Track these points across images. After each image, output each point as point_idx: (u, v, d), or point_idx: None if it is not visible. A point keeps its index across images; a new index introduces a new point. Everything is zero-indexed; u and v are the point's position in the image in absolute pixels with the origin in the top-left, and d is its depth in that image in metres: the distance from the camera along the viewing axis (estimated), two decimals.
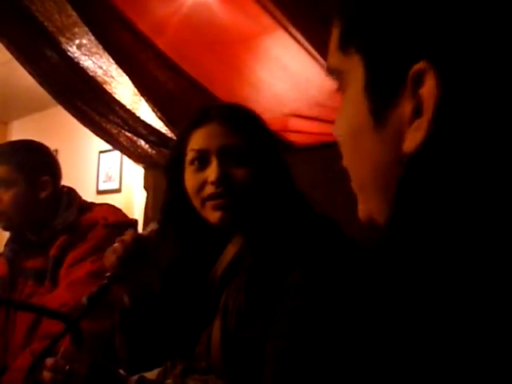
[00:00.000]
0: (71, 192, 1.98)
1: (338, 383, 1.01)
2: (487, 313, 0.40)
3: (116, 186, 4.68)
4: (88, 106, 2.36)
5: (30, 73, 2.14)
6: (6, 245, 1.98)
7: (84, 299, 1.16)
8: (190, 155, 1.25)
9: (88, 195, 2.21)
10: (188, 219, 1.27)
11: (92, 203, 2.01)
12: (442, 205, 0.47)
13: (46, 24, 1.94)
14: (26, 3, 1.87)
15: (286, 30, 1.75)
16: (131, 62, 2.13)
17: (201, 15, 1.92)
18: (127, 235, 1.22)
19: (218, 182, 1.19)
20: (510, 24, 0.45)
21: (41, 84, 2.21)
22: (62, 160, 2.07)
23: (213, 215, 1.21)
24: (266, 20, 1.76)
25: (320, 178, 2.23)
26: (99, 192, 4.78)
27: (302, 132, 2.31)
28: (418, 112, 0.49)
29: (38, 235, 1.89)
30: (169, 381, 1.16)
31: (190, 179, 1.25)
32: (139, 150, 2.62)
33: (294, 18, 1.67)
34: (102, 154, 4.78)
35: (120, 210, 2.01)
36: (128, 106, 2.37)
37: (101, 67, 2.16)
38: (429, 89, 0.47)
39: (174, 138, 2.25)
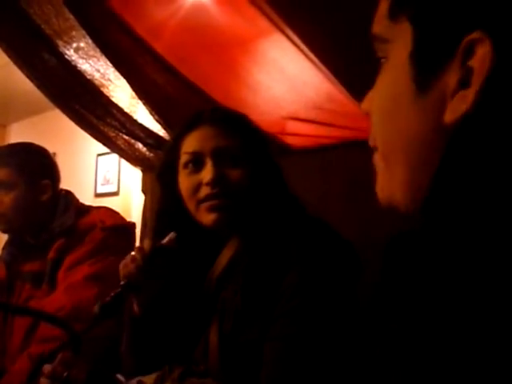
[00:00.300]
0: (68, 195, 1.98)
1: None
2: None
3: (114, 189, 4.68)
4: (86, 109, 2.35)
5: (27, 76, 2.14)
6: (3, 248, 1.98)
7: (96, 308, 1.14)
8: (183, 158, 1.26)
9: (86, 198, 2.21)
10: (183, 224, 1.27)
11: (90, 206, 2.01)
12: (487, 183, 0.46)
13: (43, 27, 1.94)
14: (24, 6, 1.87)
15: (283, 32, 1.75)
16: (129, 65, 2.13)
17: (198, 18, 1.92)
18: (147, 245, 1.21)
19: (213, 183, 1.19)
20: None
21: (38, 87, 2.20)
22: (60, 163, 2.07)
23: (208, 217, 1.21)
24: (263, 23, 1.76)
25: (317, 180, 2.23)
26: (97, 195, 4.78)
27: (299, 135, 2.31)
28: (464, 83, 0.49)
29: (36, 238, 1.89)
30: None
31: (185, 182, 1.25)
32: (137, 153, 2.62)
33: (291, 21, 1.67)
34: (99, 157, 4.78)
35: (118, 213, 2.01)
36: (125, 109, 2.36)
37: (98, 70, 2.16)
38: (480, 60, 0.47)
39: None
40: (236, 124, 1.28)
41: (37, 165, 1.92)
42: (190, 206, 1.25)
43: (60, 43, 2.02)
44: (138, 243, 2.00)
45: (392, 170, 0.59)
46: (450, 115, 0.50)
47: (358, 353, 0.99)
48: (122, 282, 1.19)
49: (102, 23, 1.98)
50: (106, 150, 2.90)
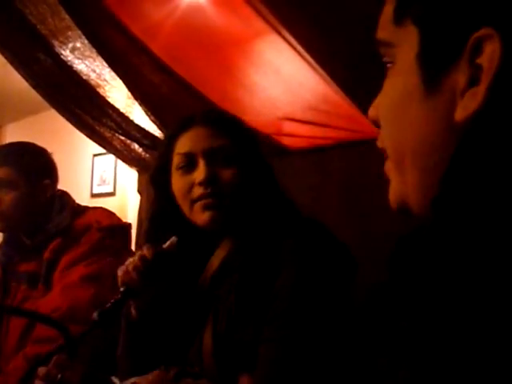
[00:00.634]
0: (64, 196, 1.98)
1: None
2: None
3: (110, 190, 4.67)
4: (81, 110, 2.35)
5: (23, 76, 2.14)
6: None
7: (95, 315, 1.12)
8: (176, 159, 1.26)
9: (82, 198, 2.20)
10: (177, 225, 1.27)
11: (86, 207, 2.01)
12: (498, 180, 0.46)
13: (39, 27, 1.94)
14: (19, 6, 1.86)
15: (279, 33, 1.75)
16: (125, 65, 2.13)
17: (194, 19, 1.92)
18: (148, 251, 1.19)
19: (206, 183, 1.20)
20: None
21: (34, 87, 2.20)
22: (56, 163, 2.07)
23: (202, 216, 1.22)
24: (259, 24, 1.76)
25: (313, 181, 2.24)
26: (93, 195, 4.77)
27: (295, 135, 2.31)
28: (473, 81, 0.49)
29: (31, 239, 1.88)
30: None
31: (178, 183, 1.26)
32: (133, 154, 2.62)
33: (287, 22, 1.67)
34: (96, 158, 4.77)
35: (114, 214, 2.01)
36: (121, 110, 2.36)
37: (94, 71, 2.15)
38: (489, 57, 0.47)
39: None
40: (228, 125, 1.29)
41: (38, 165, 1.93)
42: (184, 206, 1.25)
43: (56, 43, 2.02)
44: (133, 244, 1.99)
45: (403, 173, 0.58)
46: (461, 113, 0.50)
47: (354, 353, 0.99)
48: (121, 289, 1.18)
49: (97, 23, 1.98)
50: (102, 150, 2.90)
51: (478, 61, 0.48)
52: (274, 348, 1.07)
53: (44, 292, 1.79)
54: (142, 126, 2.44)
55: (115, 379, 1.18)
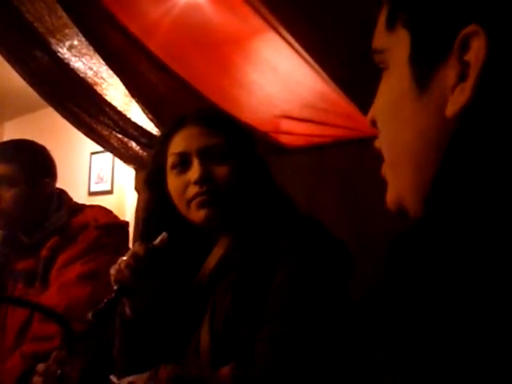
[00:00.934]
0: (62, 194, 1.98)
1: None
2: None
3: (108, 188, 4.67)
4: (79, 108, 2.35)
5: (20, 74, 2.13)
6: None
7: (90, 315, 1.11)
8: (170, 159, 1.27)
9: (80, 196, 2.21)
10: (173, 224, 1.27)
11: (83, 205, 2.01)
12: (490, 174, 0.46)
13: (36, 25, 1.93)
14: (16, 4, 1.86)
15: (277, 31, 1.75)
16: (122, 63, 2.13)
17: (192, 17, 1.92)
18: (139, 248, 1.19)
19: (201, 181, 1.20)
20: None
21: (31, 85, 2.20)
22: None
23: (198, 214, 1.22)
24: (257, 22, 1.76)
25: (311, 179, 2.24)
26: (91, 193, 4.77)
27: (292, 133, 2.32)
28: (462, 77, 0.50)
29: (29, 237, 1.88)
30: None
31: (173, 183, 1.26)
32: (130, 152, 2.61)
33: (285, 20, 1.67)
34: (93, 156, 4.77)
35: (111, 212, 2.01)
36: (119, 108, 2.36)
37: (91, 68, 2.15)
38: (475, 53, 0.48)
39: None
40: (221, 123, 1.29)
41: (38, 162, 1.93)
42: (180, 206, 1.26)
43: (53, 41, 2.02)
44: (131, 242, 1.99)
45: (399, 174, 0.59)
46: (451, 109, 0.51)
47: (350, 351, 0.99)
48: (115, 287, 1.17)
49: (95, 21, 1.98)
50: (100, 148, 2.89)
51: (466, 57, 0.49)
52: (271, 346, 1.07)
53: (41, 290, 1.79)
54: (140, 124, 2.44)
55: (113, 377, 1.18)
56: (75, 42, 2.04)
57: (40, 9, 1.88)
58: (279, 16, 1.66)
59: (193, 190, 1.22)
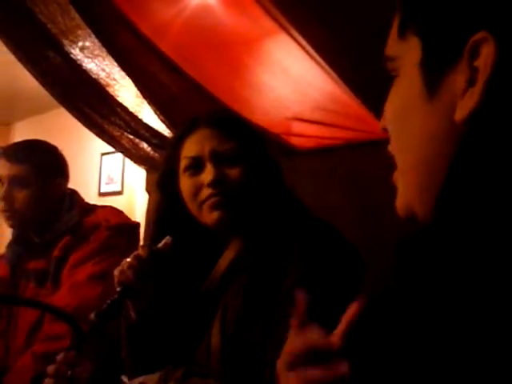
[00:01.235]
0: (74, 194, 1.99)
1: None
2: None
3: (118, 189, 4.69)
4: (91, 108, 2.36)
5: (32, 74, 2.14)
6: (7, 246, 1.98)
7: (92, 315, 1.13)
8: (183, 163, 1.27)
9: (90, 197, 2.21)
10: (185, 226, 1.28)
11: (95, 205, 2.02)
12: (499, 177, 0.47)
13: (49, 26, 1.94)
14: (29, 5, 1.87)
15: (288, 33, 1.75)
16: (134, 64, 2.13)
17: (203, 18, 1.92)
18: (143, 250, 1.21)
19: (214, 183, 1.21)
20: None
21: (43, 86, 2.21)
22: None
23: (211, 216, 1.23)
24: (269, 23, 1.76)
25: (321, 181, 2.23)
26: (101, 194, 4.79)
27: (304, 135, 2.31)
28: (471, 82, 0.50)
29: (41, 236, 1.89)
30: None
31: (186, 185, 1.27)
32: (141, 153, 2.62)
33: (297, 21, 1.67)
34: (104, 156, 4.79)
35: (122, 212, 2.02)
36: (130, 109, 2.37)
37: (103, 70, 2.16)
38: (485, 58, 0.49)
39: None
40: (233, 125, 1.30)
41: (51, 163, 1.94)
42: (193, 208, 1.26)
43: (65, 42, 2.03)
44: (141, 243, 2.00)
45: (409, 179, 0.60)
46: (460, 113, 0.51)
47: (361, 352, 0.99)
48: (118, 289, 1.19)
49: (107, 22, 1.98)
50: (111, 149, 2.90)
51: (475, 63, 0.50)
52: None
53: (52, 290, 1.80)
54: (151, 125, 2.45)
55: (125, 378, 1.19)
56: (87, 43, 2.04)
57: (53, 10, 1.88)
58: (290, 17, 1.66)
59: (206, 192, 1.22)
